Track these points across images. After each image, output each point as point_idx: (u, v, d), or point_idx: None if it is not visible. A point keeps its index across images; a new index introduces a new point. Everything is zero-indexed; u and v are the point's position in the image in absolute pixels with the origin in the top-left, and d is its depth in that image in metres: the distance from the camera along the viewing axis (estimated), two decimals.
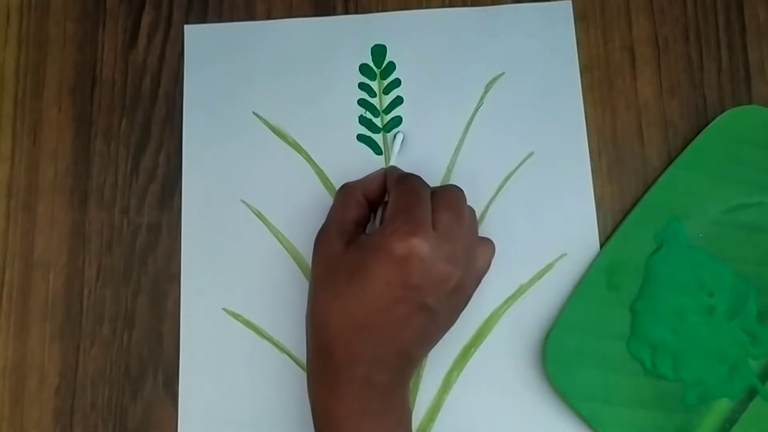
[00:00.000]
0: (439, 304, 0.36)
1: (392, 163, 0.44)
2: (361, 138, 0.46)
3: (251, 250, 0.45)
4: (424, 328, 0.37)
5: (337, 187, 0.45)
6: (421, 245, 0.35)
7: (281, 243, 0.45)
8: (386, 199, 0.41)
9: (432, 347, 0.40)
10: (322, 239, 0.39)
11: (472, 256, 0.38)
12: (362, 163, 0.45)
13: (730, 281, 0.42)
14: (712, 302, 0.42)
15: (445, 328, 0.39)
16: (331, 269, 0.38)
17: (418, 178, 0.40)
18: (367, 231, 0.41)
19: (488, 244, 0.40)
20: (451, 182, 0.45)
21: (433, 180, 0.45)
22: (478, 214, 0.44)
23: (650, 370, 0.42)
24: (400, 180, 0.39)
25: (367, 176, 0.42)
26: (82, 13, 0.48)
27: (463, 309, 0.39)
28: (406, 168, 0.45)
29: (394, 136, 0.45)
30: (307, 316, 0.39)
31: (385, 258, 0.35)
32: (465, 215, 0.38)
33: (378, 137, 0.46)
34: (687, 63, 0.47)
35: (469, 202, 0.44)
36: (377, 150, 0.46)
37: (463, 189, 0.39)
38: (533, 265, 0.44)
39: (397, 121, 0.46)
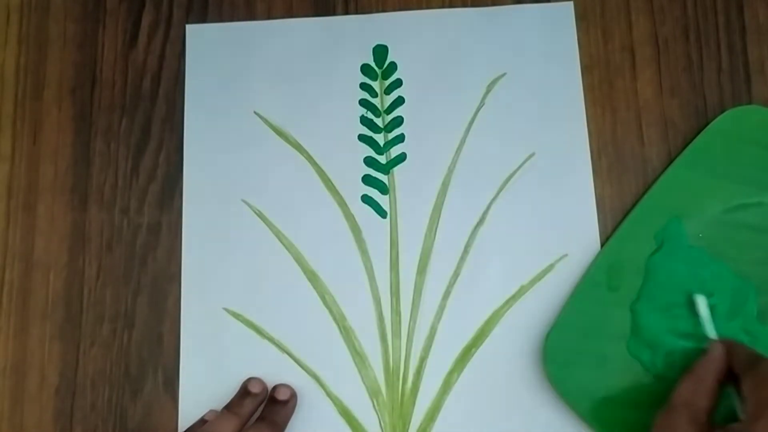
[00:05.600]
0: None
1: (710, 333, 0.40)
2: (362, 138, 0.46)
3: (252, 250, 0.45)
4: None
5: (338, 187, 0.45)
6: None
7: (282, 243, 0.45)
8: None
9: None
10: (667, 425, 0.36)
11: None
12: (363, 163, 0.45)
13: (730, 281, 0.42)
14: (712, 302, 0.42)
15: None
16: None
17: (762, 354, 0.36)
18: None
19: None
20: (452, 183, 0.45)
21: (434, 180, 0.45)
22: (479, 215, 0.45)
23: (650, 370, 0.42)
24: (751, 363, 0.36)
25: (711, 356, 0.38)
26: (82, 13, 0.48)
27: None
28: (406, 169, 0.45)
29: (696, 300, 0.42)
30: None
31: None
32: None
33: (379, 137, 0.46)
34: (687, 63, 0.47)
35: (470, 203, 0.45)
36: (378, 150, 0.46)
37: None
38: (534, 266, 0.44)
39: (399, 121, 0.46)
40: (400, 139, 0.46)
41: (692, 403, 0.36)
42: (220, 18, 0.48)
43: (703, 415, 0.36)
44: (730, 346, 0.38)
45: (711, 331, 0.40)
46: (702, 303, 0.41)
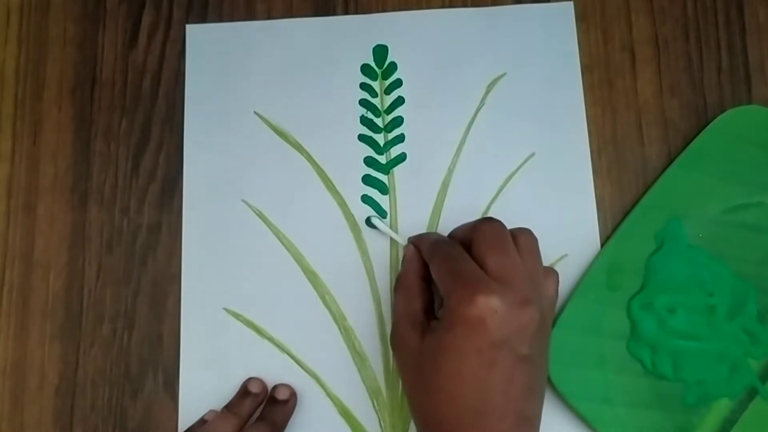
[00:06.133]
0: (532, 349, 0.35)
1: (399, 239, 0.43)
2: (362, 138, 0.46)
3: (252, 250, 0.45)
4: (529, 381, 0.35)
5: (339, 187, 0.45)
6: (490, 299, 0.33)
7: (282, 243, 0.45)
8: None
9: (542, 401, 0.37)
10: (396, 340, 0.38)
11: (541, 286, 0.37)
12: (363, 163, 0.45)
13: (730, 281, 0.43)
14: (712, 302, 0.42)
15: (545, 373, 0.37)
16: (417, 365, 0.36)
17: (440, 237, 0.39)
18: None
19: (550, 271, 0.38)
20: (452, 183, 0.45)
21: (434, 180, 0.45)
22: (479, 215, 0.45)
23: (650, 370, 0.42)
24: (430, 250, 0.38)
25: (407, 259, 0.40)
26: (82, 13, 0.48)
27: (549, 346, 0.38)
28: (406, 169, 0.45)
29: (371, 224, 0.44)
30: (415, 420, 0.37)
31: (463, 329, 0.34)
32: (510, 248, 0.36)
33: (379, 137, 0.46)
34: (687, 63, 0.47)
35: (470, 203, 0.45)
36: (378, 150, 0.46)
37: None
38: None
39: (399, 121, 0.46)
40: (400, 139, 0.46)
41: (408, 311, 0.38)
42: (220, 18, 0.48)
43: (420, 315, 0.37)
44: (418, 242, 0.40)
45: (400, 239, 0.43)
46: (378, 223, 0.44)
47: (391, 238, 0.44)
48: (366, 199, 0.45)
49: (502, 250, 0.36)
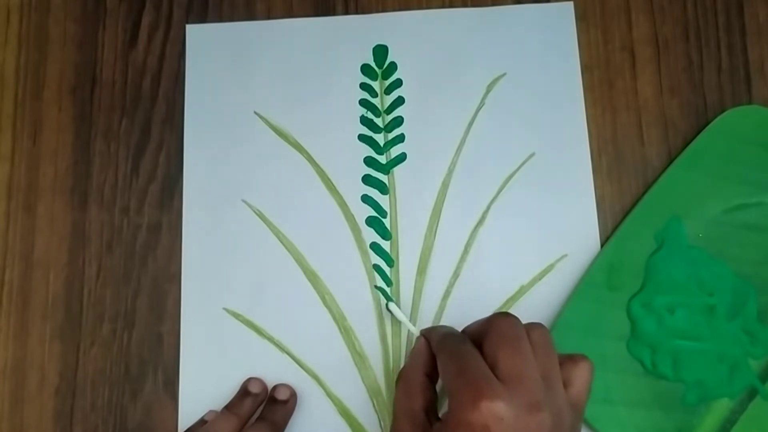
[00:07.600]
0: None
1: (413, 329, 0.42)
2: (362, 138, 0.46)
3: (252, 250, 0.45)
4: None
5: (338, 187, 0.45)
6: (494, 405, 0.31)
7: (282, 243, 0.45)
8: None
9: None
10: None
11: (557, 386, 0.33)
12: (363, 163, 0.45)
13: (730, 281, 0.43)
14: (712, 302, 0.42)
15: None
16: None
17: (451, 330, 0.37)
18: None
19: (579, 362, 0.35)
20: (452, 183, 0.45)
21: (434, 180, 0.45)
22: (478, 215, 0.45)
23: (650, 370, 0.42)
24: (438, 344, 0.36)
25: (414, 352, 0.38)
26: (82, 13, 0.48)
27: None
28: (406, 169, 0.45)
29: (389, 309, 0.43)
30: None
31: None
32: (524, 346, 0.33)
33: (379, 137, 0.46)
34: (687, 63, 0.47)
35: (470, 203, 0.44)
36: (378, 150, 0.46)
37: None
38: (534, 266, 0.44)
39: (399, 121, 0.46)
40: (400, 139, 0.46)
41: (409, 409, 0.35)
42: (220, 18, 0.48)
43: (420, 415, 0.35)
44: (428, 334, 0.38)
45: (414, 329, 0.42)
46: (395, 309, 0.42)
47: (391, 240, 0.44)
48: (366, 199, 0.45)
49: (516, 348, 0.33)
